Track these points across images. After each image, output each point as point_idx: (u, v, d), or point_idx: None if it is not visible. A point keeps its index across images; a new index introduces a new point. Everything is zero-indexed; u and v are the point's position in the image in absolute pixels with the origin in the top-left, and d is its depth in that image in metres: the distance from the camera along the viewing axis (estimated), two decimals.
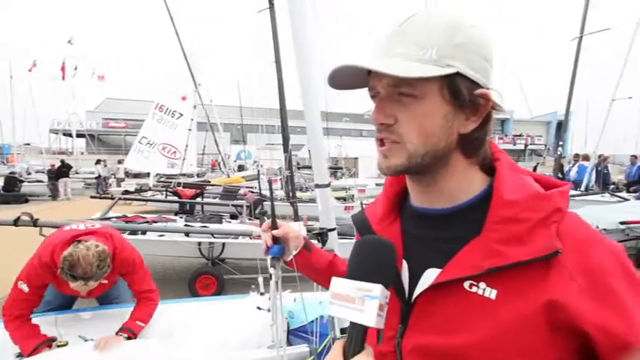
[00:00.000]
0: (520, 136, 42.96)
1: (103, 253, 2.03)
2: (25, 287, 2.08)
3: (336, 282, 0.65)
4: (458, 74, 0.61)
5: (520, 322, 0.57)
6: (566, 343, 0.56)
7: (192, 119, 10.54)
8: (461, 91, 0.62)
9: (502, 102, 0.64)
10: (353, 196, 10.59)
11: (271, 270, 1.20)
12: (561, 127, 9.86)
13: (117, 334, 2.16)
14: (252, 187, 9.60)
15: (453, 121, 0.64)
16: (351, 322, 0.60)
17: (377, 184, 15.07)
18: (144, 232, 4.76)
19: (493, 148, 0.70)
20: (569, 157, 11.48)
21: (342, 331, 2.17)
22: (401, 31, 0.64)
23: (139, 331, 2.23)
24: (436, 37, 0.61)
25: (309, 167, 21.16)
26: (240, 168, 20.19)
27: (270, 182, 1.29)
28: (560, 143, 9.16)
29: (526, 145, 41.32)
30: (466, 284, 0.61)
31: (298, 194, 8.43)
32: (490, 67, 0.65)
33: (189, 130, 10.46)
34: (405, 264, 0.71)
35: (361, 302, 0.59)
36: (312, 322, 2.39)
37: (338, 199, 10.86)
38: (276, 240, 1.09)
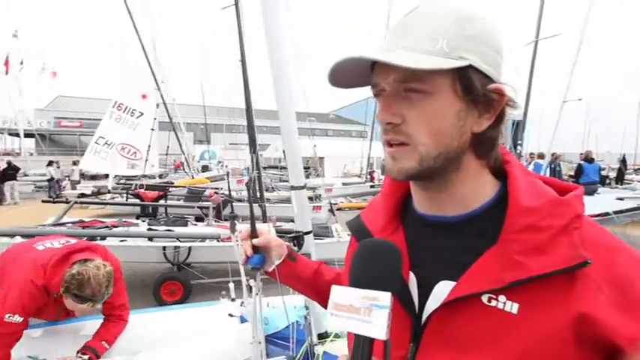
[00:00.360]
0: None
1: (110, 274, 1.93)
2: (17, 318, 1.85)
3: (337, 291, 0.59)
4: (471, 67, 0.57)
5: (545, 337, 0.53)
6: (593, 357, 0.53)
7: (154, 118, 10.13)
8: (474, 86, 0.58)
9: (516, 97, 0.61)
10: (320, 195, 10.57)
11: (251, 282, 1.13)
12: (518, 127, 10.35)
13: (78, 353, 2.00)
14: (217, 188, 9.36)
15: (465, 119, 0.59)
16: (355, 336, 0.55)
17: (343, 184, 15.21)
18: (103, 238, 4.50)
19: (501, 150, 0.66)
20: (525, 156, 12.11)
21: (320, 336, 2.12)
22: (407, 23, 0.59)
23: (102, 353, 2.07)
24: (446, 29, 0.57)
25: (276, 167, 21.02)
26: (204, 168, 19.66)
27: (248, 186, 1.21)
28: (519, 142, 9.60)
29: None
30: (484, 298, 0.56)
31: (266, 195, 8.31)
32: (501, 60, 0.61)
33: (152, 129, 10.05)
34: (412, 276, 0.66)
35: (367, 313, 0.54)
36: (288, 327, 2.34)
37: (311, 199, 10.81)
38: (255, 249, 1.01)
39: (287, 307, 2.40)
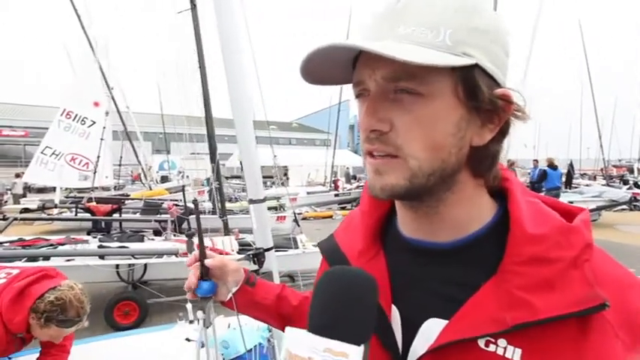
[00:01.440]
0: None
1: (84, 290, 1.87)
2: None
3: (293, 336, 0.47)
4: (477, 67, 0.48)
5: None
6: None
7: (104, 127, 9.64)
8: (480, 90, 0.48)
9: (525, 106, 0.51)
10: (284, 205, 10.42)
11: (199, 314, 0.98)
12: None
13: None
14: (177, 200, 8.99)
15: (466, 129, 0.50)
16: None
17: (308, 193, 15.12)
18: (47, 258, 4.12)
19: (499, 166, 0.57)
20: None
21: None
22: (402, 8, 0.49)
23: None
24: (450, 17, 0.47)
25: (239, 177, 20.59)
26: (164, 179, 18.90)
27: (196, 204, 1.07)
28: None
29: None
30: (481, 342, 0.48)
31: (228, 205, 8.05)
32: (508, 63, 0.52)
33: (102, 139, 9.55)
34: (395, 311, 0.56)
35: None
36: (250, 350, 2.19)
37: (269, 208, 10.62)
38: (205, 274, 0.86)
39: (249, 328, 2.26)
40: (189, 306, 2.74)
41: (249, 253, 1.83)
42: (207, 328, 1.03)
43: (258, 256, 1.89)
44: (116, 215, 7.28)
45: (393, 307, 0.56)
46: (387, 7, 0.50)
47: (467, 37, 0.47)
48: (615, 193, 11.23)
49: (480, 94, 0.48)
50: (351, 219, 0.70)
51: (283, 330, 0.93)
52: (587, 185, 14.62)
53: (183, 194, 6.76)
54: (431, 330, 0.51)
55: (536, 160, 11.63)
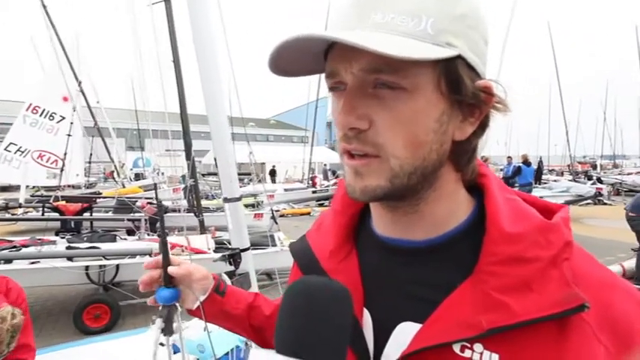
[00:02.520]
0: None
1: (18, 326, 1.56)
2: None
3: (258, 358, 0.44)
4: (459, 58, 0.45)
5: None
6: None
7: (71, 123, 9.29)
8: (463, 82, 0.45)
9: (507, 98, 0.49)
10: (262, 202, 10.31)
11: (157, 322, 0.89)
12: None
13: None
14: (151, 198, 8.74)
15: (448, 124, 0.47)
16: None
17: (285, 190, 15.03)
18: (8, 261, 3.91)
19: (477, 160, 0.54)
20: None
21: None
22: None
23: None
24: (432, 4, 0.44)
25: (215, 174, 20.27)
26: (138, 177, 18.35)
27: (160, 206, 1.01)
28: None
29: None
30: (456, 347, 0.45)
31: (204, 203, 7.88)
32: (487, 52, 0.50)
33: (69, 135, 9.20)
34: (367, 315, 0.53)
35: None
36: (227, 354, 2.13)
37: (247, 206, 10.49)
38: (168, 282, 0.79)
39: (225, 332, 2.20)
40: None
41: (224, 254, 1.77)
42: (170, 336, 0.96)
43: (234, 257, 1.83)
44: (87, 214, 7.00)
45: (365, 311, 0.53)
46: None
47: (449, 26, 0.44)
48: (581, 188, 11.73)
49: (463, 87, 0.46)
50: (323, 219, 0.67)
51: (254, 341, 0.88)
52: (555, 181, 15.17)
53: (156, 192, 6.56)
54: (404, 334, 0.48)
55: (510, 157, 11.99)
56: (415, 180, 0.47)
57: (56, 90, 9.81)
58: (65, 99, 10.02)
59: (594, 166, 26.65)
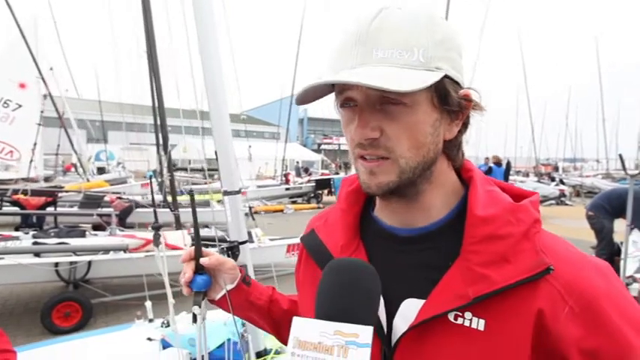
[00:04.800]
0: None
1: None
2: None
3: (302, 324, 0.49)
4: (446, 77, 0.56)
5: (509, 351, 0.52)
6: None
7: (42, 111, 8.77)
8: (450, 95, 0.57)
9: (481, 100, 0.61)
10: None
11: (195, 309, 0.93)
12: None
13: None
14: (119, 193, 8.40)
15: (440, 127, 0.59)
16: None
17: (258, 186, 14.90)
18: None
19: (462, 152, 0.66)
20: None
21: (258, 355, 1.96)
22: (376, 31, 0.55)
23: None
24: (419, 36, 0.55)
25: (185, 169, 19.73)
26: (101, 170, 17.55)
27: (192, 195, 1.01)
28: None
29: None
30: (450, 316, 0.55)
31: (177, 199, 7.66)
32: (462, 62, 0.61)
33: (39, 124, 8.68)
34: None
35: (343, 353, 0.46)
36: (220, 347, 2.12)
37: (219, 202, 10.33)
38: (201, 269, 0.83)
39: (216, 324, 2.18)
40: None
41: (223, 246, 1.76)
42: (202, 322, 0.98)
43: (233, 250, 1.82)
44: (51, 209, 6.64)
45: None
46: (360, 32, 0.56)
47: (435, 52, 0.55)
48: (546, 189, 12.37)
49: (450, 99, 0.57)
50: (328, 215, 0.76)
51: (273, 334, 0.92)
52: (521, 182, 15.93)
53: (150, 186, 6.32)
54: (409, 309, 0.57)
55: (487, 158, 12.52)
56: (417, 174, 0.58)
57: (10, 76, 9.19)
58: (22, 85, 9.41)
59: (556, 168, 28.21)
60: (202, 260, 0.83)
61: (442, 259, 0.58)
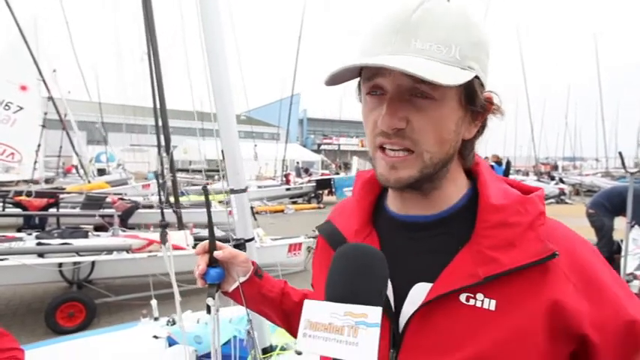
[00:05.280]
0: None
1: None
2: None
3: (313, 306, 0.52)
4: (476, 77, 0.57)
5: (522, 331, 0.54)
6: (562, 350, 0.55)
7: (45, 113, 8.79)
8: (477, 96, 0.59)
9: (500, 104, 0.63)
10: None
11: (209, 301, 0.96)
12: None
13: None
14: (121, 194, 8.42)
15: (461, 126, 0.61)
16: None
17: (259, 187, 14.91)
18: None
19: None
20: None
21: (265, 351, 1.98)
22: (417, 22, 0.55)
23: None
24: (458, 34, 0.56)
25: (186, 170, 19.75)
26: (101, 172, 17.55)
27: (206, 191, 1.03)
28: None
29: None
30: (462, 297, 0.57)
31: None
32: (489, 65, 0.62)
33: (43, 126, 8.70)
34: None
35: (353, 332, 0.47)
36: (226, 344, 2.14)
37: (221, 202, 10.34)
38: (212, 262, 0.86)
39: (222, 320, 2.20)
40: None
41: (230, 244, 1.78)
42: (216, 314, 1.01)
43: (240, 247, 1.85)
44: (53, 210, 6.66)
45: None
46: (400, 20, 0.56)
47: (470, 51, 0.56)
48: (546, 187, 12.41)
49: (476, 100, 0.59)
50: (343, 205, 0.79)
51: (284, 327, 0.95)
52: (521, 181, 15.85)
53: (157, 185, 6.33)
54: (419, 294, 0.59)
55: (487, 157, 12.58)
56: (438, 169, 0.60)
57: (12, 78, 9.21)
58: (23, 88, 9.43)
59: (555, 167, 28.28)
60: (216, 253, 0.86)
61: (453, 244, 0.60)
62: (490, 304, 0.55)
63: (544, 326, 0.54)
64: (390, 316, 0.61)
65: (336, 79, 0.60)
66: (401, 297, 0.61)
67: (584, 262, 0.57)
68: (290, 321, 0.91)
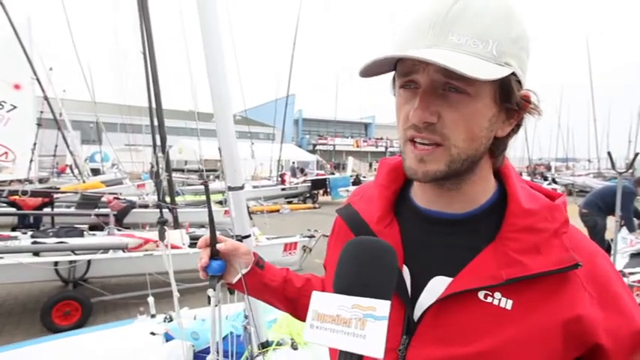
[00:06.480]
0: (381, 139, 47.73)
1: None
2: None
3: (321, 298, 0.51)
4: (512, 74, 0.56)
5: (536, 333, 0.56)
6: (571, 355, 0.57)
7: (41, 112, 8.72)
8: (513, 94, 0.57)
9: (538, 104, 0.61)
10: None
11: (210, 292, 0.99)
12: None
13: None
14: (116, 193, 8.40)
15: (495, 124, 0.59)
16: (342, 354, 0.47)
17: (254, 187, 14.90)
18: None
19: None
20: None
21: (262, 345, 2.01)
22: (456, 15, 0.54)
23: None
24: (496, 29, 0.54)
25: (181, 170, 19.66)
26: (95, 172, 17.45)
27: (207, 187, 1.06)
28: None
29: (386, 148, 46.02)
30: (480, 294, 0.58)
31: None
32: (528, 64, 0.60)
33: (39, 125, 8.64)
34: (406, 270, 0.65)
35: (361, 325, 0.47)
36: (223, 339, 2.16)
37: (216, 202, 10.33)
38: (214, 255, 0.89)
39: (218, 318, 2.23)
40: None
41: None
42: (217, 306, 1.04)
43: None
44: (48, 209, 6.63)
45: (404, 267, 0.65)
46: (439, 13, 0.54)
47: (508, 48, 0.55)
48: None
49: (512, 97, 0.58)
50: (365, 190, 0.78)
51: (288, 312, 0.98)
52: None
53: (155, 185, 6.32)
54: (437, 286, 0.60)
55: None
56: (466, 166, 0.59)
57: (5, 76, 9.13)
58: (17, 87, 9.34)
59: (549, 168, 28.51)
60: (218, 246, 0.89)
61: (475, 243, 0.61)
62: (507, 304, 0.57)
63: (559, 332, 0.55)
64: (407, 302, 0.62)
65: (369, 71, 0.59)
66: (418, 286, 0.63)
67: (603, 273, 0.59)
68: (295, 307, 0.94)
